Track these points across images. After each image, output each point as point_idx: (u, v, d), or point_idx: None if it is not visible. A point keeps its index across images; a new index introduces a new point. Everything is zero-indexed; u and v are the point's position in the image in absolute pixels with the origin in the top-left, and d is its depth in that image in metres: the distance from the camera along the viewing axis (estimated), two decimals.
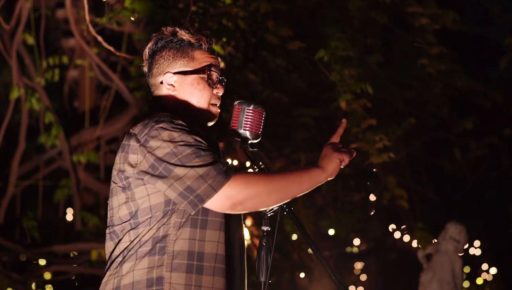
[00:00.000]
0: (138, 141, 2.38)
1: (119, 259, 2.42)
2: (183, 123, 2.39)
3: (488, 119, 9.53)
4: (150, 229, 2.39)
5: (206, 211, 2.40)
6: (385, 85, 6.90)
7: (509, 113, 9.54)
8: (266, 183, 2.38)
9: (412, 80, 7.68)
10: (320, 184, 2.47)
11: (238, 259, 2.52)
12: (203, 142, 2.38)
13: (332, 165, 2.47)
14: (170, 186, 2.34)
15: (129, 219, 2.43)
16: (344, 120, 2.57)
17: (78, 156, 6.95)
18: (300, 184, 2.43)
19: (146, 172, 2.36)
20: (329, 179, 2.48)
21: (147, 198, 2.40)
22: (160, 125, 2.37)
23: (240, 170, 6.87)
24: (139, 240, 2.39)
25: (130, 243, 2.41)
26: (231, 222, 2.50)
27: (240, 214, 2.57)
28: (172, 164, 2.33)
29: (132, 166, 2.39)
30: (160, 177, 2.34)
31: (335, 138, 2.56)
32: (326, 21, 5.71)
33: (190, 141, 2.35)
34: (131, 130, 2.44)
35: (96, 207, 7.44)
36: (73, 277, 6.79)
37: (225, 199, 2.33)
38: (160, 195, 2.38)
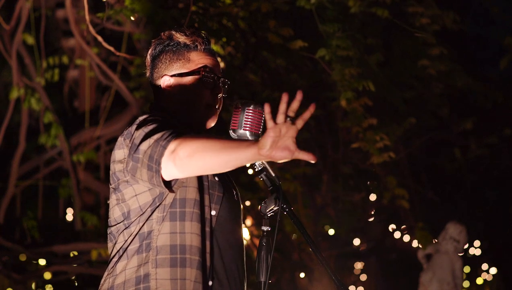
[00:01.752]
0: (122, 135, 2.44)
1: (115, 259, 2.46)
2: (166, 118, 2.42)
3: (488, 119, 9.53)
4: (139, 226, 2.42)
5: (183, 202, 2.41)
6: (385, 85, 6.90)
7: (509, 113, 9.55)
8: (204, 139, 2.22)
9: (412, 80, 7.68)
10: (255, 159, 2.16)
11: (237, 259, 2.51)
12: (177, 125, 2.38)
13: (264, 138, 2.10)
14: (142, 164, 2.33)
15: (123, 220, 2.47)
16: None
17: (78, 156, 6.95)
18: (229, 150, 2.16)
19: (128, 164, 2.39)
20: (264, 153, 2.11)
21: (135, 199, 2.43)
22: (142, 118, 2.42)
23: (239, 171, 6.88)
24: (130, 238, 2.43)
25: (124, 243, 2.45)
26: (227, 222, 2.50)
27: (240, 214, 2.57)
28: (141, 142, 2.34)
29: (121, 162, 2.44)
30: (135, 161, 2.36)
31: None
32: (327, 20, 5.70)
33: (162, 123, 2.36)
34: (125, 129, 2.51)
35: (96, 207, 7.45)
36: (73, 277, 6.79)
37: (169, 153, 2.24)
38: (147, 195, 2.42)
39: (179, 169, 2.25)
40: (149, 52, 2.64)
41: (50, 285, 6.81)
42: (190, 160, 2.21)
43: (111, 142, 7.58)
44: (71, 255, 6.62)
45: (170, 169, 2.26)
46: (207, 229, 2.44)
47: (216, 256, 2.46)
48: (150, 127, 2.35)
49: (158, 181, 2.29)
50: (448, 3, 7.55)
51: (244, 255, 2.57)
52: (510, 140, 9.75)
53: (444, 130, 9.44)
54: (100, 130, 7.13)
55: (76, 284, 6.91)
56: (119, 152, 2.44)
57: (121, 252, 2.44)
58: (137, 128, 2.39)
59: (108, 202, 2.56)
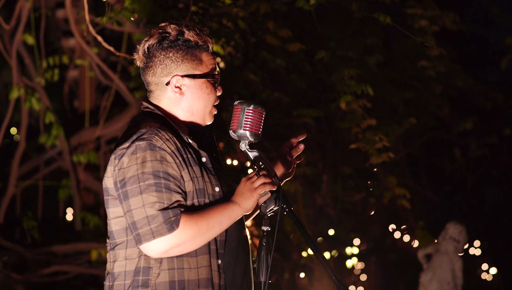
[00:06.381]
0: (115, 153, 2.41)
1: (107, 283, 2.45)
2: (163, 145, 2.36)
3: (488, 119, 9.53)
4: (128, 255, 2.39)
5: None
6: (385, 85, 6.90)
7: (509, 113, 9.55)
8: (195, 234, 2.35)
9: (412, 81, 7.68)
10: (242, 215, 2.48)
11: (242, 261, 2.52)
12: (174, 173, 2.35)
13: (249, 202, 2.45)
14: (124, 215, 2.36)
15: (109, 238, 2.46)
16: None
17: (78, 156, 6.94)
18: (221, 224, 2.40)
19: (113, 189, 2.39)
20: (249, 210, 2.47)
21: (123, 219, 2.40)
22: (140, 143, 2.36)
23: (238, 172, 6.87)
24: (122, 269, 2.39)
25: (111, 267, 2.42)
26: (233, 226, 2.50)
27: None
28: (132, 191, 2.32)
29: (109, 179, 2.42)
30: (119, 200, 2.36)
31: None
32: (326, 22, 5.71)
33: (158, 172, 2.33)
34: (118, 140, 2.46)
35: (96, 207, 7.44)
36: (73, 277, 6.78)
37: (157, 250, 2.32)
38: None
39: (160, 257, 2.36)
40: (150, 42, 2.55)
41: (50, 285, 6.81)
42: (180, 252, 2.36)
43: (111, 142, 7.58)
44: (71, 255, 6.62)
45: (150, 253, 2.34)
46: (212, 247, 2.44)
47: (226, 261, 2.47)
48: (148, 175, 2.32)
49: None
50: (448, 3, 7.56)
51: (250, 254, 2.57)
52: (510, 140, 9.75)
53: (444, 130, 9.44)
54: (100, 130, 7.13)
55: (76, 284, 6.90)
56: (110, 169, 2.41)
57: (111, 279, 2.42)
58: (130, 158, 2.34)
59: None
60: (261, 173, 2.48)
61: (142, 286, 2.36)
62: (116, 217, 2.41)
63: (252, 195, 2.44)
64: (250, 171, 6.84)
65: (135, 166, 2.33)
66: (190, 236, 2.33)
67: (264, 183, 2.45)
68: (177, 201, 2.34)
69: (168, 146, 2.37)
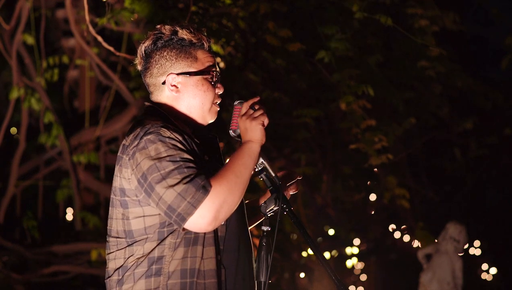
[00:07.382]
0: (127, 154, 2.40)
1: (115, 277, 2.44)
2: (172, 135, 2.37)
3: (488, 119, 9.54)
4: (146, 249, 2.39)
5: None
6: (385, 85, 6.90)
7: (509, 113, 9.55)
8: (228, 186, 2.36)
9: (412, 81, 7.67)
10: (259, 150, 2.49)
11: (244, 259, 2.52)
12: (189, 157, 2.36)
13: (256, 132, 2.48)
14: (157, 205, 2.35)
15: (125, 237, 2.44)
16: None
17: (78, 156, 6.94)
18: (246, 166, 2.43)
19: (137, 189, 2.38)
20: (262, 141, 2.50)
21: (142, 220, 2.40)
22: (148, 137, 2.36)
23: None
24: (135, 260, 2.40)
25: (125, 261, 2.42)
26: (233, 224, 2.50)
27: (244, 214, 2.57)
28: (154, 180, 2.32)
29: (127, 181, 2.41)
30: (147, 195, 2.35)
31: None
32: (326, 22, 5.70)
33: (175, 157, 2.34)
34: (124, 141, 2.45)
35: (96, 207, 7.44)
36: (73, 277, 6.78)
37: (205, 219, 2.32)
38: (156, 218, 2.39)
39: (213, 227, 2.36)
40: (146, 44, 2.57)
41: (50, 285, 6.81)
42: (226, 213, 2.36)
43: (111, 142, 7.58)
44: (71, 255, 6.61)
45: (200, 227, 2.33)
46: (216, 241, 2.44)
47: (227, 263, 2.47)
48: (166, 162, 2.32)
49: (177, 226, 2.35)
50: (448, 3, 7.56)
51: (252, 253, 2.57)
52: (510, 140, 9.75)
53: (444, 130, 9.44)
54: (100, 130, 7.13)
55: (76, 284, 6.91)
56: (126, 171, 2.40)
57: (121, 272, 2.42)
58: (142, 153, 2.35)
59: (110, 207, 2.52)
60: (256, 107, 2.51)
61: (155, 274, 2.37)
62: (136, 217, 2.41)
63: (256, 125, 2.47)
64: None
65: (150, 158, 2.34)
66: (226, 190, 2.33)
67: (263, 113, 2.49)
68: (200, 171, 2.35)
69: (176, 136, 2.39)
